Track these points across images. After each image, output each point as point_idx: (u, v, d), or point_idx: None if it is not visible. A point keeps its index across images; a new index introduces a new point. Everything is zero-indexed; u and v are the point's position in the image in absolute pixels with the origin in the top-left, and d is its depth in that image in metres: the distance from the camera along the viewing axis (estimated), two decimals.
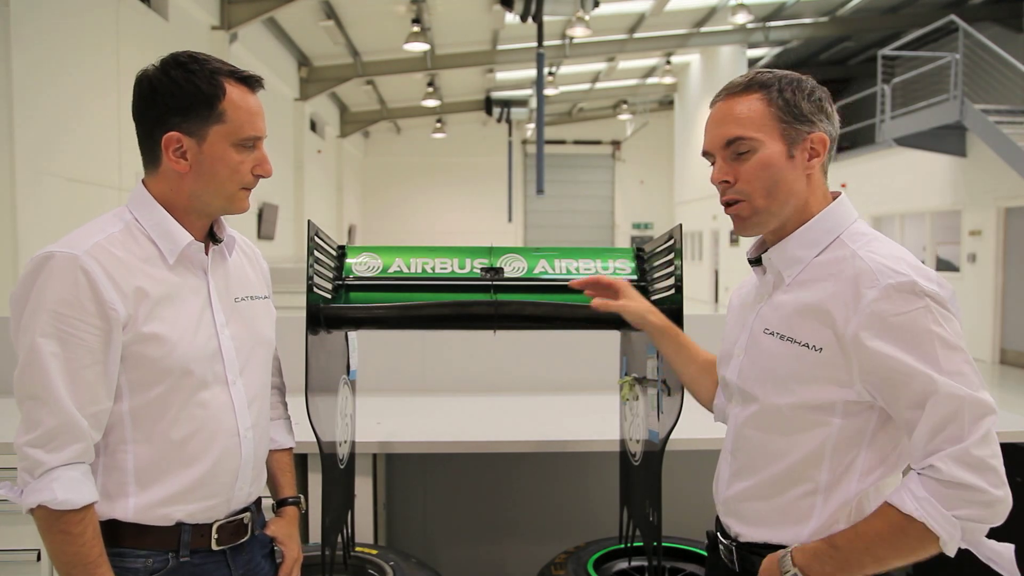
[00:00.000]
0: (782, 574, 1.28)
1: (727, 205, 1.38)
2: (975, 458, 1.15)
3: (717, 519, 1.48)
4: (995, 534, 1.23)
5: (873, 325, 1.20)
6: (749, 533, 1.37)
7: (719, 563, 1.46)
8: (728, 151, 1.35)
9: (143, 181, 1.42)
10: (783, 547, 1.31)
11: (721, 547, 1.44)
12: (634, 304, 1.65)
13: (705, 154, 1.41)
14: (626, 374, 2.23)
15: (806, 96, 1.32)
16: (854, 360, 1.23)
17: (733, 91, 1.35)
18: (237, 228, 1.53)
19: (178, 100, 1.33)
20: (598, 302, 1.66)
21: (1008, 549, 1.25)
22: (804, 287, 1.32)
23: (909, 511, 1.17)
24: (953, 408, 1.16)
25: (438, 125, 24.60)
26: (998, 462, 1.16)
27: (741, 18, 14.50)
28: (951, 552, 1.18)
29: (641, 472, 2.07)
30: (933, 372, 1.17)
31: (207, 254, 1.44)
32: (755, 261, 1.43)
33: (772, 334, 1.34)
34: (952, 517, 1.15)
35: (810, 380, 1.28)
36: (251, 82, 1.40)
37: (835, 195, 1.38)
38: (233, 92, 1.36)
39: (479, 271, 1.94)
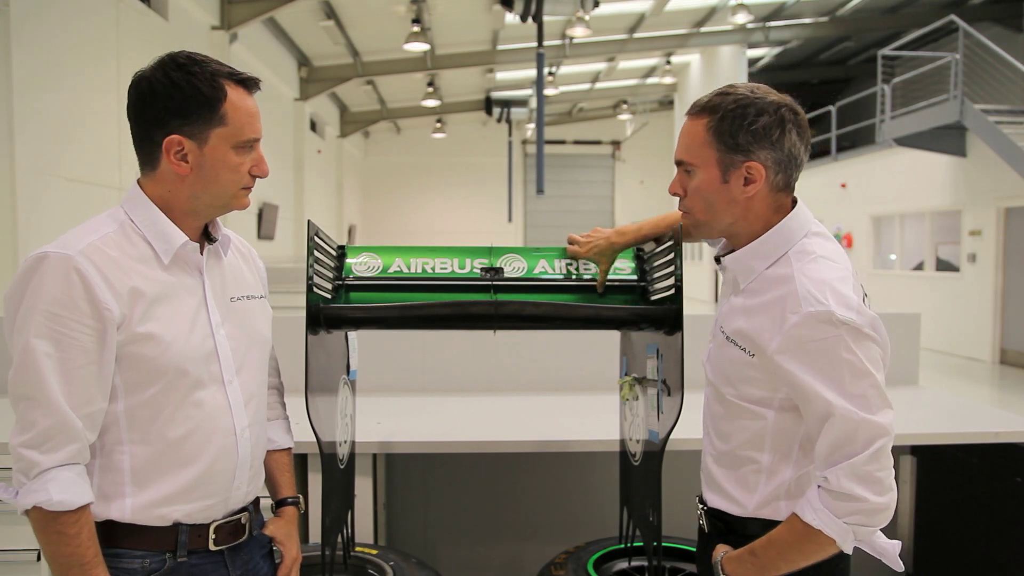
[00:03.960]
0: None
1: (683, 213, 1.56)
2: (863, 471, 1.30)
3: None
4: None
5: (790, 348, 1.35)
6: (712, 499, 1.55)
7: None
8: (681, 168, 1.50)
9: (138, 181, 1.41)
10: (735, 516, 1.49)
11: (698, 510, 1.61)
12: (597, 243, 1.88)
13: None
14: (626, 374, 2.23)
15: (746, 126, 1.40)
16: (776, 372, 1.38)
17: (692, 111, 1.48)
18: (237, 228, 1.53)
19: (179, 102, 1.33)
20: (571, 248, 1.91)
21: (894, 546, 1.44)
22: (752, 296, 1.45)
23: (809, 520, 1.34)
24: (849, 429, 1.31)
25: (438, 125, 24.57)
26: (885, 474, 1.32)
27: (741, 18, 14.45)
28: (848, 550, 1.36)
29: (641, 472, 2.07)
30: (833, 396, 1.32)
31: (202, 254, 1.44)
32: (719, 259, 1.56)
33: (723, 332, 1.50)
34: (843, 523, 1.32)
35: (746, 380, 1.45)
36: (249, 84, 1.40)
37: (795, 201, 1.48)
38: (233, 94, 1.36)
39: (479, 271, 1.94)
